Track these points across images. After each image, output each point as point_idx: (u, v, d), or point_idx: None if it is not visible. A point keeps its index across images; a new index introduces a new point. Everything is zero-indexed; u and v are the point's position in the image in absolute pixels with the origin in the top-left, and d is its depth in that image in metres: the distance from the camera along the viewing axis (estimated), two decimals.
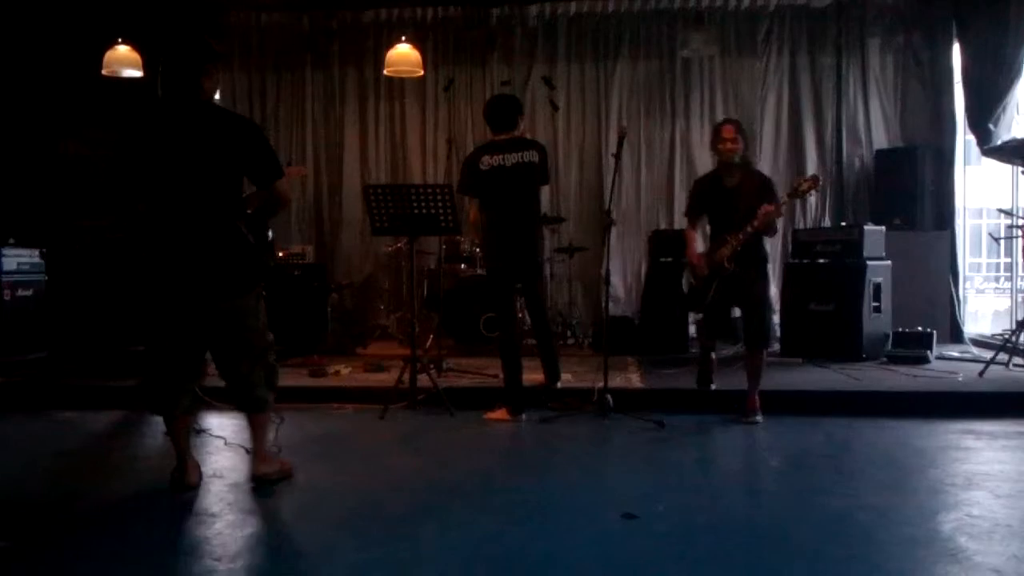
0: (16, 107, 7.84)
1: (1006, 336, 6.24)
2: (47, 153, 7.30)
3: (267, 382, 3.62)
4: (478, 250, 7.16)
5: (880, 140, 8.06)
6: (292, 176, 6.53)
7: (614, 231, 5.58)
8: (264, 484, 3.60)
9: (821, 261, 6.78)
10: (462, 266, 7.37)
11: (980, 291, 8.87)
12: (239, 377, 3.57)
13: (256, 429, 3.66)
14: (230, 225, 3.44)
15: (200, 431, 4.52)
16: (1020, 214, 6.94)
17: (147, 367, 3.60)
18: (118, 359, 5.85)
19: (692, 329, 7.58)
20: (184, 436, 3.62)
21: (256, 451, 3.67)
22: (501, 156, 5.06)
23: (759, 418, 4.83)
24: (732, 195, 4.89)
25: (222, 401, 4.11)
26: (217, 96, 8.55)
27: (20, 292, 6.85)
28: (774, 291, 7.86)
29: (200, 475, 3.66)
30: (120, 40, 7.37)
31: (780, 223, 7.91)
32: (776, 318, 7.56)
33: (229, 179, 3.46)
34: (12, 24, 7.75)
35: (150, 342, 3.57)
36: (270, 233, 3.81)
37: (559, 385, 5.31)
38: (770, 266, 7.82)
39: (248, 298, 3.52)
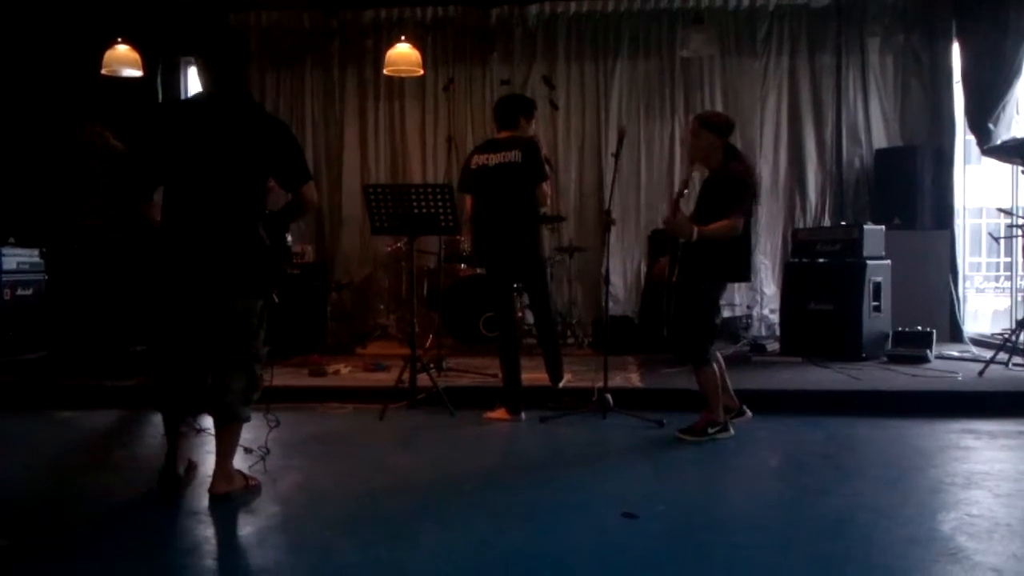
0: (16, 106, 7.83)
1: (1006, 335, 6.24)
2: (47, 152, 7.29)
3: (244, 393, 3.42)
4: None
5: (880, 139, 8.06)
6: None
7: (614, 230, 5.56)
8: (222, 503, 3.36)
9: (821, 260, 6.78)
10: (462, 266, 7.36)
11: (980, 290, 8.87)
12: (216, 376, 3.43)
13: (221, 441, 3.41)
14: (247, 224, 3.39)
15: (200, 430, 4.52)
16: (1020, 213, 6.93)
17: (155, 366, 3.56)
18: (118, 359, 5.84)
19: None
20: (180, 432, 3.58)
21: (218, 466, 3.40)
22: (487, 156, 5.06)
23: (712, 430, 4.43)
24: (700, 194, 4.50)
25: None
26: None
27: (20, 292, 6.87)
28: (773, 290, 7.91)
29: (194, 469, 3.68)
30: (120, 40, 7.38)
31: (769, 224, 7.95)
32: (775, 317, 7.59)
33: (252, 178, 3.41)
34: (12, 24, 7.74)
35: (159, 340, 3.52)
36: (289, 238, 3.72)
37: (561, 385, 5.31)
38: (754, 283, 7.87)
39: (257, 300, 3.45)
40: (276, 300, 3.56)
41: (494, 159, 5.03)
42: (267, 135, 3.43)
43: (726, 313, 7.83)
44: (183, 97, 7.72)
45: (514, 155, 4.98)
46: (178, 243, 3.38)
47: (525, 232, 5.09)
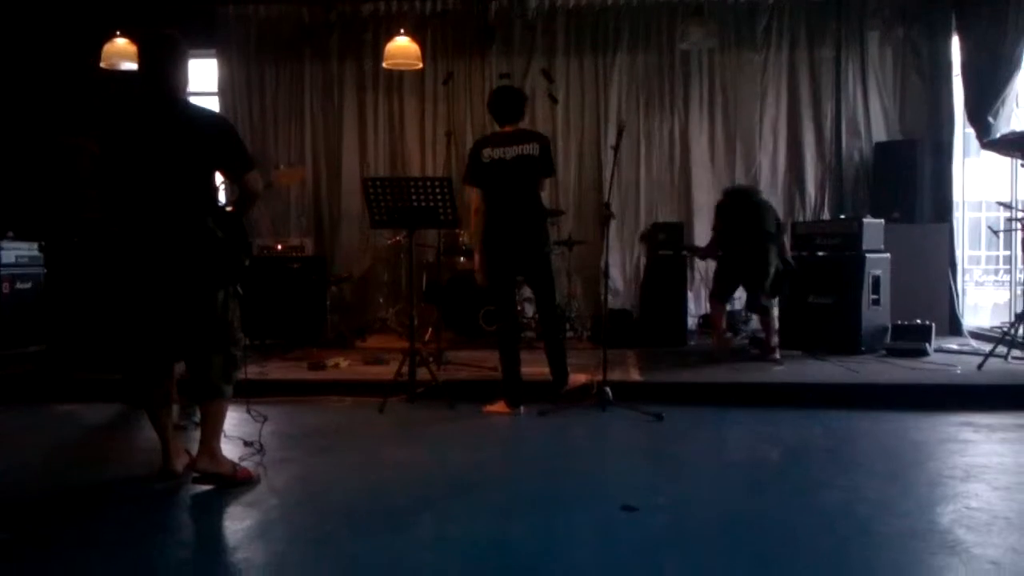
0: (15, 100, 7.82)
1: (1005, 329, 6.24)
2: (46, 146, 7.29)
3: (224, 371, 3.54)
4: None
5: (879, 133, 8.05)
6: (292, 179, 6.50)
7: (613, 224, 5.55)
8: (206, 481, 3.46)
9: (820, 254, 6.78)
10: (461, 259, 7.36)
11: (979, 284, 8.86)
12: (196, 362, 3.54)
13: (207, 419, 3.52)
14: (197, 220, 3.44)
15: (198, 425, 4.51)
16: (1019, 207, 6.93)
17: (125, 361, 3.66)
18: (117, 352, 5.83)
19: (691, 322, 7.61)
20: (164, 425, 3.64)
21: (202, 443, 3.50)
22: (503, 149, 5.04)
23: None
24: None
25: (185, 395, 3.94)
26: (216, 86, 8.47)
27: (19, 285, 6.86)
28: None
29: (194, 463, 3.67)
30: (118, 33, 7.36)
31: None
32: (774, 310, 7.58)
33: (197, 174, 3.47)
34: (11, 18, 7.73)
35: (124, 337, 3.60)
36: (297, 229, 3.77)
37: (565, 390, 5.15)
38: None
39: (217, 292, 3.51)
40: (240, 291, 3.61)
41: (511, 152, 5.01)
42: (206, 130, 3.50)
43: (727, 307, 7.84)
44: (123, 100, 7.75)
45: (532, 148, 5.01)
46: (132, 242, 3.45)
47: (539, 226, 5.12)
